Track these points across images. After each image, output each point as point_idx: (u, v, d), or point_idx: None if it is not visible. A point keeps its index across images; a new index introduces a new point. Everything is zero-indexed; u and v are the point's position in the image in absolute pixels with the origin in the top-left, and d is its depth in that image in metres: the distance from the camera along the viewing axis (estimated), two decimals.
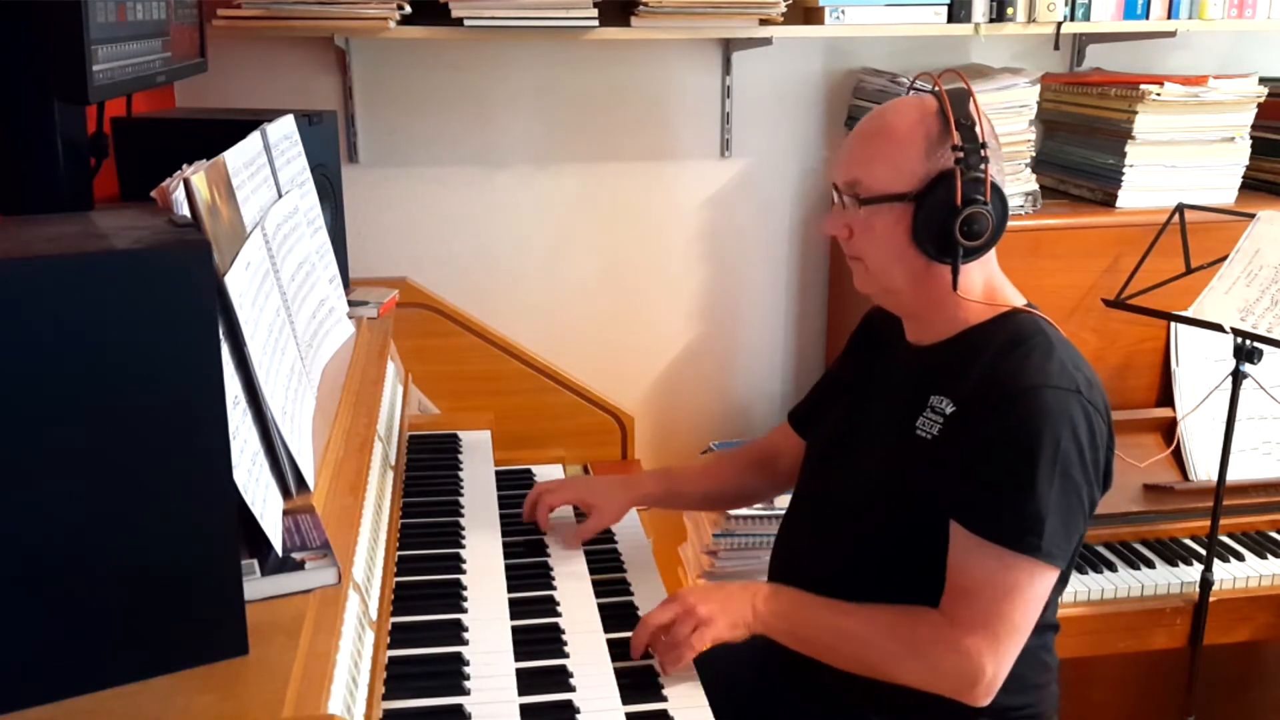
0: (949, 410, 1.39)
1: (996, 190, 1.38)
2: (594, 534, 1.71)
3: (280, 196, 1.53)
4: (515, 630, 1.42)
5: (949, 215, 1.36)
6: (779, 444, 1.78)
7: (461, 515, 1.73)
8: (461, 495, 1.80)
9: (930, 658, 1.35)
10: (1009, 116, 2.31)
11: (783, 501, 2.22)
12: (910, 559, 1.40)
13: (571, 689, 1.33)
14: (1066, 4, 2.41)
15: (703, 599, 1.41)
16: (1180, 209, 2.19)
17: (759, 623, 1.41)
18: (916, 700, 1.40)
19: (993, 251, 1.44)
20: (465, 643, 1.36)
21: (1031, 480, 1.30)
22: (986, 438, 1.34)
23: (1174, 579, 2.17)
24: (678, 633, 1.39)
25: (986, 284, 1.45)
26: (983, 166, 1.36)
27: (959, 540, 1.34)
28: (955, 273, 1.38)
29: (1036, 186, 2.36)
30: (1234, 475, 2.15)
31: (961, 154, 1.36)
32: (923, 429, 1.40)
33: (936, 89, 1.40)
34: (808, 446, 1.67)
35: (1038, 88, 2.35)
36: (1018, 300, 1.46)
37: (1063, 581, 1.44)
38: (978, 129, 1.37)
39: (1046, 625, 1.45)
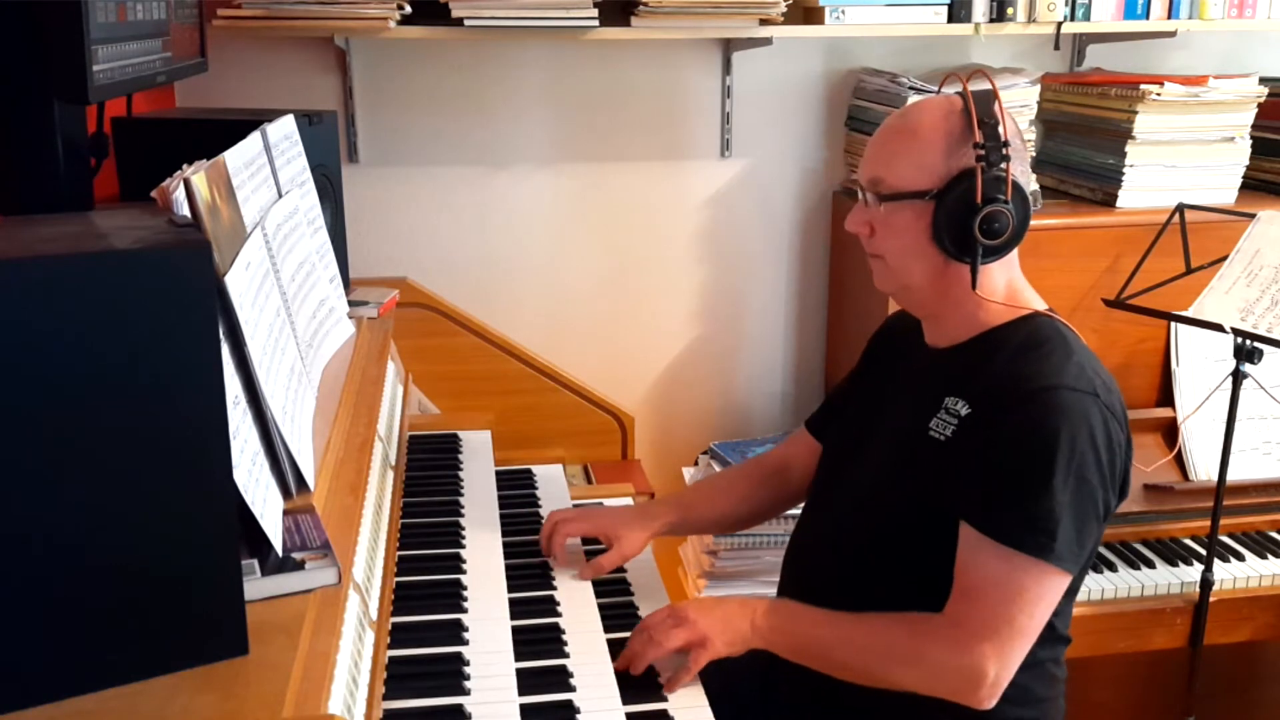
0: (964, 412, 1.38)
1: (1018, 190, 1.37)
2: (614, 567, 1.63)
3: (280, 196, 1.53)
4: (515, 630, 1.42)
5: (969, 213, 1.35)
6: (790, 456, 1.76)
7: (461, 515, 1.73)
8: (461, 495, 1.80)
9: (933, 662, 1.33)
10: None
11: None
12: (919, 561, 1.39)
13: (571, 689, 1.33)
14: (1066, 4, 2.40)
15: (702, 614, 1.41)
16: (1180, 209, 2.19)
17: (758, 638, 1.41)
18: (922, 708, 1.40)
19: (1015, 254, 1.43)
20: (465, 643, 1.36)
21: (1046, 481, 1.29)
22: (1000, 438, 1.33)
23: (1174, 579, 2.17)
24: (671, 642, 1.38)
25: (1008, 286, 1.44)
26: (1004, 165, 1.35)
27: (968, 541, 1.33)
28: (974, 271, 1.37)
29: (1036, 186, 2.36)
30: (1234, 475, 2.14)
31: (983, 152, 1.35)
32: (936, 430, 1.39)
33: (963, 89, 1.39)
34: (823, 449, 1.66)
35: (1038, 88, 2.35)
36: (1038, 304, 1.45)
37: (1072, 592, 1.42)
38: (1001, 128, 1.36)
39: (1058, 638, 1.43)
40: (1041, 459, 1.29)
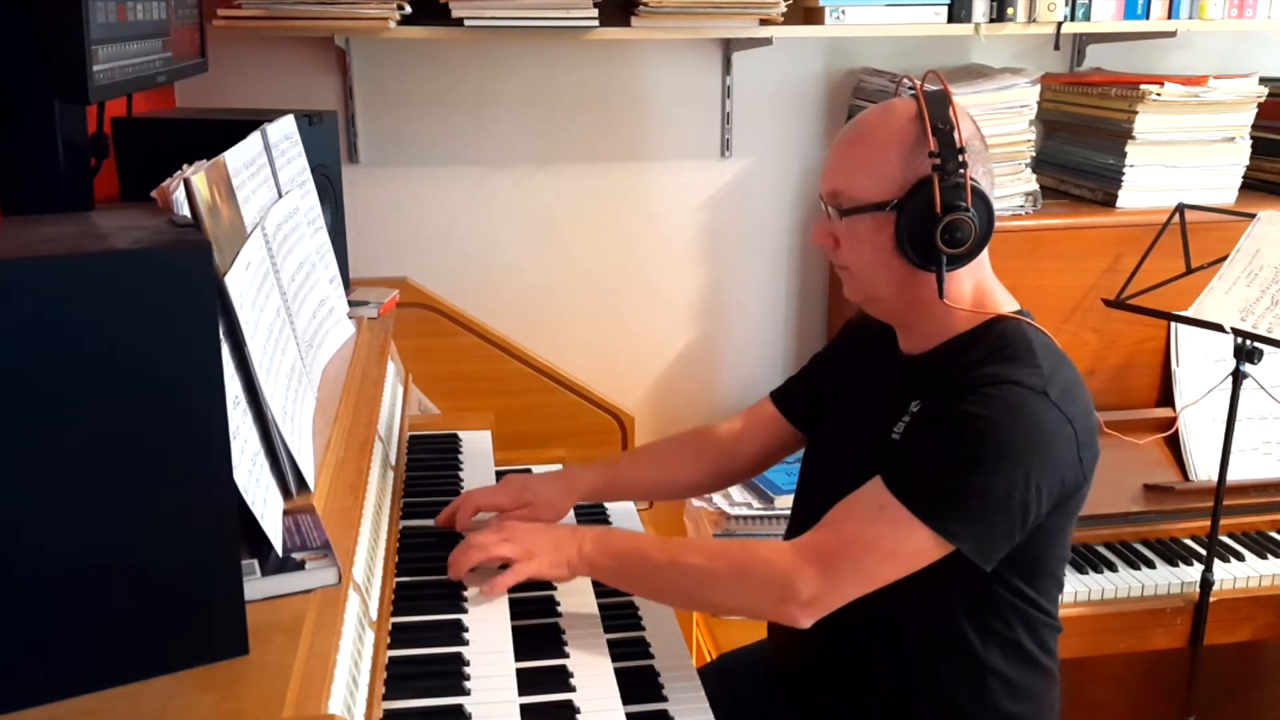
0: (915, 409, 1.37)
1: (979, 195, 1.34)
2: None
3: (280, 197, 1.53)
4: (515, 630, 1.42)
5: (929, 223, 1.33)
6: (745, 429, 1.72)
7: None
8: None
9: (758, 572, 1.34)
10: (1009, 116, 2.31)
11: (783, 503, 2.24)
12: None
13: (571, 689, 1.33)
14: (1067, 4, 2.41)
15: (530, 533, 1.45)
16: (1180, 209, 2.19)
17: (585, 564, 1.42)
18: (924, 714, 1.40)
19: (985, 256, 1.41)
20: (465, 643, 1.36)
21: (965, 462, 1.27)
22: (939, 419, 1.32)
23: (1174, 579, 2.17)
24: (496, 553, 1.43)
25: (976, 290, 1.41)
26: (962, 172, 1.33)
27: (862, 487, 1.33)
28: (940, 281, 1.35)
29: (1036, 186, 2.36)
30: (1234, 475, 2.15)
31: (938, 160, 1.32)
32: (895, 432, 1.39)
33: (915, 92, 1.37)
34: (807, 449, 1.65)
35: (1038, 88, 2.35)
36: (1007, 306, 1.42)
37: (1055, 578, 1.41)
38: (956, 133, 1.33)
39: (1045, 625, 1.42)
40: (970, 442, 1.28)
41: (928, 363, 1.42)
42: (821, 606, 1.32)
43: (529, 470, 2.00)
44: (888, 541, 1.29)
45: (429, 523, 1.67)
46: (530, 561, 1.42)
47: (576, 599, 1.54)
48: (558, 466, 2.05)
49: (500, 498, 1.63)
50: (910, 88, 1.42)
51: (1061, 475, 1.31)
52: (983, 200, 1.35)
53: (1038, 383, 1.30)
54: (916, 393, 1.39)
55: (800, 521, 1.58)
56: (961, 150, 1.33)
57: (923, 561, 1.30)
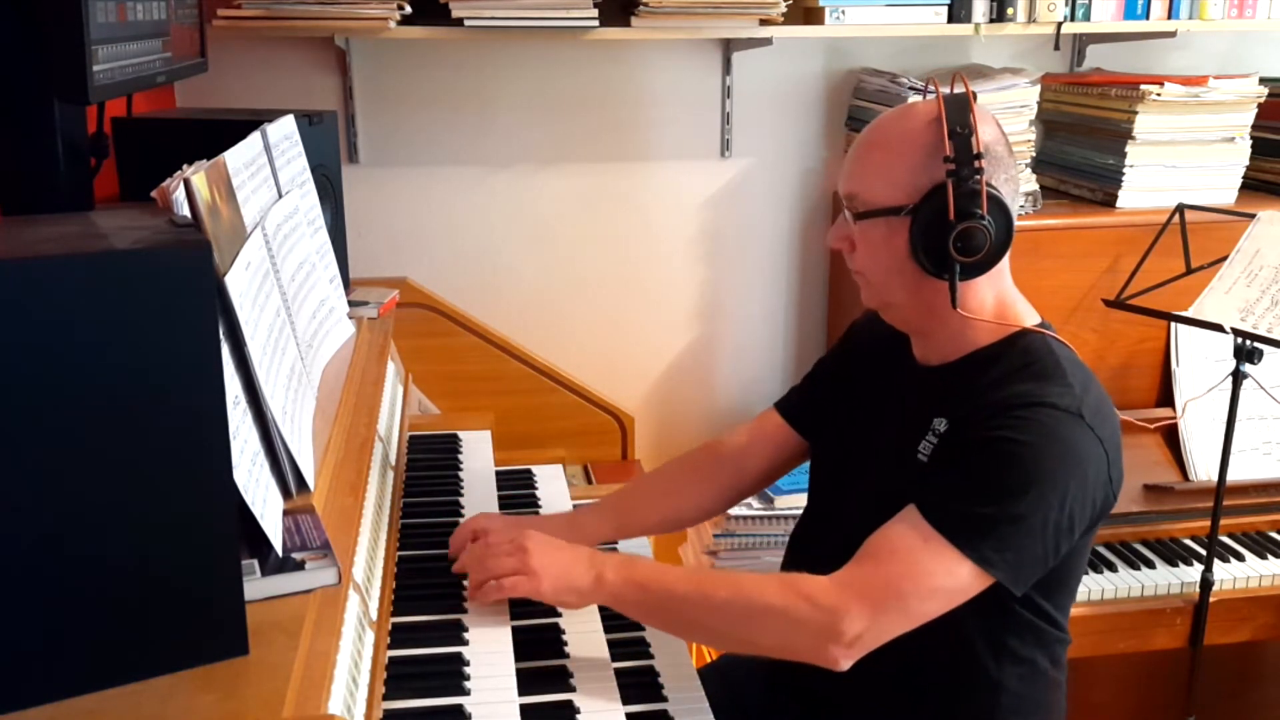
0: (943, 429, 1.34)
1: (997, 203, 1.30)
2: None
3: (280, 197, 1.53)
4: (515, 630, 1.42)
5: (943, 230, 1.29)
6: (750, 443, 1.69)
7: (461, 515, 1.72)
8: (461, 495, 1.80)
9: (797, 610, 1.26)
10: (1009, 116, 2.31)
11: (783, 503, 2.24)
12: None
13: (571, 689, 1.33)
14: (1067, 4, 2.41)
15: (542, 553, 1.37)
16: (1180, 209, 2.19)
17: (604, 592, 1.35)
18: (925, 716, 1.39)
19: (1005, 266, 1.37)
20: (465, 643, 1.36)
21: (1002, 490, 1.24)
22: (972, 443, 1.28)
23: (1174, 579, 2.17)
24: (497, 566, 1.37)
25: (997, 301, 1.38)
26: (978, 179, 1.29)
27: (898, 516, 1.29)
28: (953, 290, 1.32)
29: (1036, 186, 2.36)
30: (1234, 475, 2.14)
31: (954, 166, 1.29)
32: (922, 452, 1.36)
33: (936, 94, 1.34)
34: (815, 456, 1.63)
35: (1038, 88, 2.35)
36: (1031, 318, 1.38)
37: (1070, 591, 1.40)
38: (974, 138, 1.29)
39: (1056, 639, 1.40)
40: (1006, 469, 1.25)
41: (949, 376, 1.39)
42: (863, 648, 1.26)
43: (529, 471, 2.00)
44: (935, 578, 1.25)
45: (429, 522, 1.67)
46: (528, 578, 1.35)
47: None
48: (558, 466, 2.06)
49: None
50: (935, 89, 1.37)
51: (1093, 497, 1.29)
52: (1001, 208, 1.31)
53: (1071, 404, 1.27)
54: (940, 409, 1.36)
55: (811, 529, 1.58)
56: (979, 156, 1.29)
57: (966, 596, 1.27)
